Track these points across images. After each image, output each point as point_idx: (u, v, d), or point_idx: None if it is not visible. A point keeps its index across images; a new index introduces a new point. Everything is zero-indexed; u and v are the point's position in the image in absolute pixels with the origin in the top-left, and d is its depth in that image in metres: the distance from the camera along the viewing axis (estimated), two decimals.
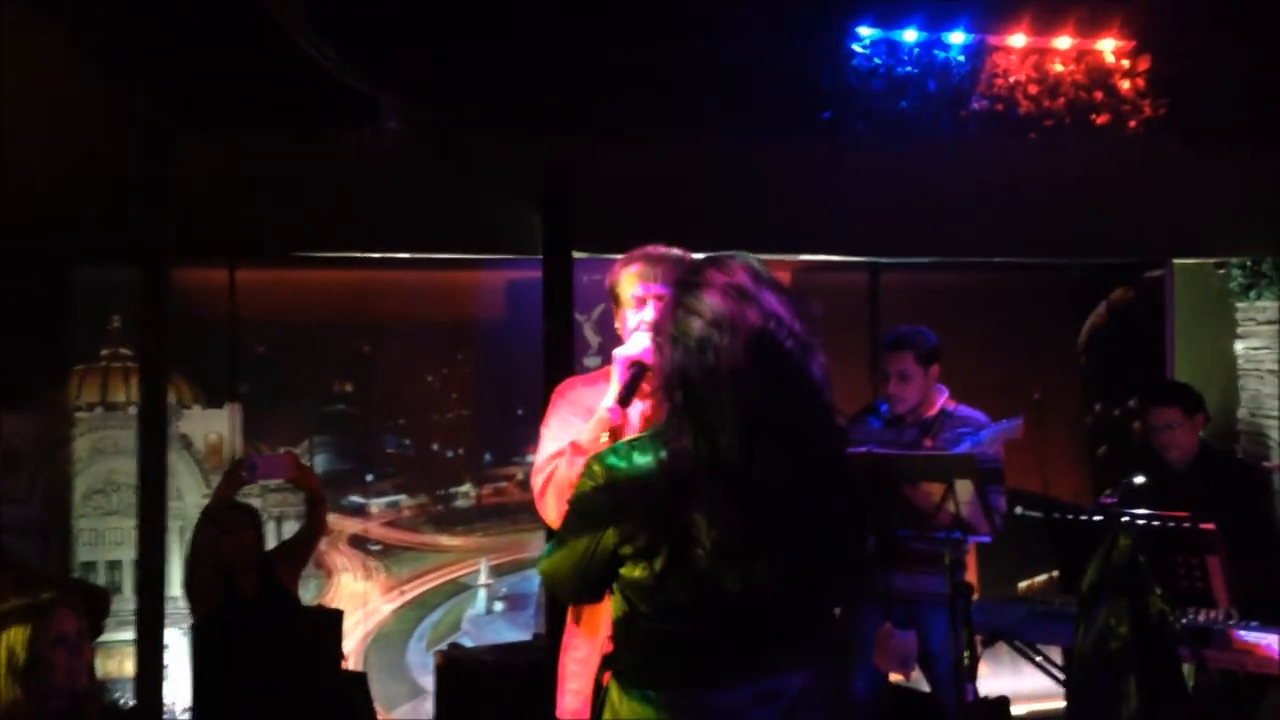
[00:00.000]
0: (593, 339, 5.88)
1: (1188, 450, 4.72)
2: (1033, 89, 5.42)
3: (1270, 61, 5.52)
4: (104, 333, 5.56)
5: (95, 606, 4.49)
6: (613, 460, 2.25)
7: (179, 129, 4.72)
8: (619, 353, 2.79)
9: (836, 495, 2.24)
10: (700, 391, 2.16)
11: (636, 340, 2.79)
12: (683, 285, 2.26)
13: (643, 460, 2.21)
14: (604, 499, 2.23)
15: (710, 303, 2.19)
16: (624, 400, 2.74)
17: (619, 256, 3.06)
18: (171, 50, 4.58)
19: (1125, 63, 5.52)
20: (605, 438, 2.71)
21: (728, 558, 2.14)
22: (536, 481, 2.91)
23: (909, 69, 5.32)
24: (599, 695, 2.36)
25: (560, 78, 4.96)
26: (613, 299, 3.05)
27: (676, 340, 2.21)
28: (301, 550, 4.76)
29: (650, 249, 3.01)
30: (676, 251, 2.95)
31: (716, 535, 2.13)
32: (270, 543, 5.05)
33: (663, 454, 2.19)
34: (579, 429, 2.84)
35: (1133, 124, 5.51)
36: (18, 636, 3.16)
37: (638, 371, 2.73)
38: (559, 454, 2.87)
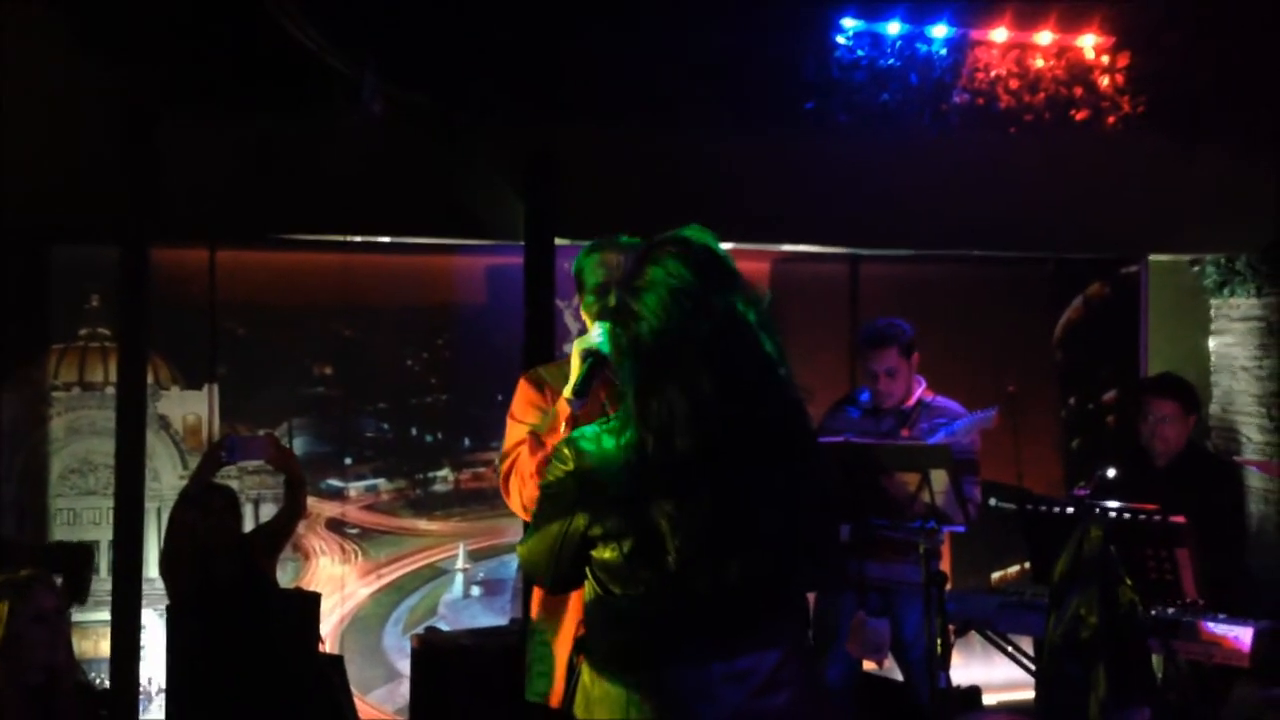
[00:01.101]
0: (573, 325, 5.88)
1: (1174, 446, 4.70)
2: (1013, 84, 5.46)
3: (1248, 60, 5.58)
4: (83, 312, 5.53)
5: (80, 565, 4.49)
6: (583, 445, 2.24)
7: (160, 109, 4.71)
8: (578, 343, 2.75)
9: (805, 488, 2.22)
10: (649, 396, 2.13)
11: (596, 330, 2.74)
12: (626, 285, 2.19)
13: (610, 445, 2.20)
14: (573, 482, 2.22)
15: (652, 305, 2.14)
16: (581, 390, 2.71)
17: None
18: (154, 30, 4.57)
19: (1105, 59, 5.57)
20: (564, 428, 2.69)
21: (694, 563, 2.13)
22: (501, 470, 2.92)
23: (892, 62, 5.35)
24: (572, 677, 2.37)
25: (544, 64, 4.97)
26: (577, 285, 3.05)
27: (621, 343, 2.17)
28: (280, 533, 4.75)
29: (614, 236, 3.01)
30: (640, 240, 2.91)
31: (680, 543, 2.13)
32: (248, 525, 5.05)
33: (625, 449, 2.17)
34: (542, 418, 2.85)
35: (1111, 120, 5.56)
36: None
37: (596, 361, 2.69)
38: (521, 442, 2.88)
